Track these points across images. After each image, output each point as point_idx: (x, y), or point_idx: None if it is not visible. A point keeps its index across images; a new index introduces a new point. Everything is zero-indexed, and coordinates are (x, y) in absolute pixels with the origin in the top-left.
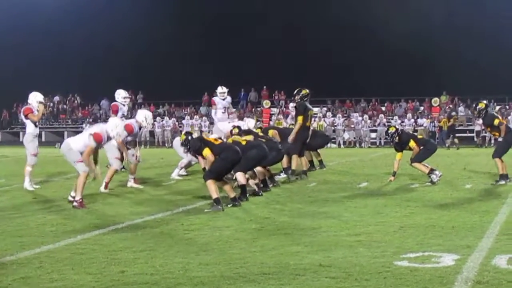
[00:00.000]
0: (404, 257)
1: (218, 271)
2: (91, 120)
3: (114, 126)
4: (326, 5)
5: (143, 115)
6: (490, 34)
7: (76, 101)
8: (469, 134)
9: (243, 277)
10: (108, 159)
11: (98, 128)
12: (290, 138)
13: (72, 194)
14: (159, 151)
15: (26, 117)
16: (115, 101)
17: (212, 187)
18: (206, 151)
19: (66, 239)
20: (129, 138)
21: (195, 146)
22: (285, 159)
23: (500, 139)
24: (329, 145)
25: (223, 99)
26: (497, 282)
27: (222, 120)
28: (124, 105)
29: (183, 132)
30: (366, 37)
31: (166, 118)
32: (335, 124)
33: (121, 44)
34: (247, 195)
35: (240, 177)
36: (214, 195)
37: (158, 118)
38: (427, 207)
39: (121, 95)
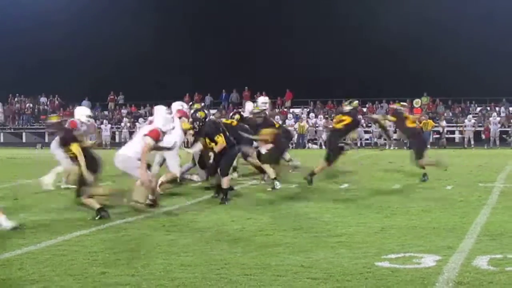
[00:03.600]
0: (385, 258)
1: (199, 272)
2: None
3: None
4: (311, 6)
5: None
6: (472, 35)
7: (56, 102)
8: (451, 135)
9: (224, 278)
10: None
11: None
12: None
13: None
14: None
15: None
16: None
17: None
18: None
19: (47, 241)
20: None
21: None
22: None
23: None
24: (310, 146)
25: None
26: (478, 283)
27: None
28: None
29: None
30: (349, 38)
31: (150, 118)
32: (316, 125)
33: (102, 45)
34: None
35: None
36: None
37: (140, 119)
38: (408, 208)
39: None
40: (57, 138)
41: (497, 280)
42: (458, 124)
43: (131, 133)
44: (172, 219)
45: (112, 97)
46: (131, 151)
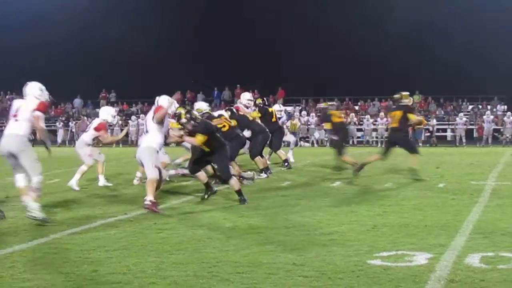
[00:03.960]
0: (377, 256)
1: (191, 270)
2: (63, 118)
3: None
4: (300, 5)
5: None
6: (464, 33)
7: (48, 100)
8: (443, 133)
9: (216, 276)
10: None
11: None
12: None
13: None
14: (133, 149)
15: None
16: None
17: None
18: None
19: (38, 239)
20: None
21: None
22: (261, 160)
23: None
24: (302, 144)
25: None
26: (470, 281)
27: None
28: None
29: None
30: (340, 37)
31: (142, 116)
32: (308, 123)
33: (94, 43)
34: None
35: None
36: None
37: (133, 117)
38: (400, 206)
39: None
40: (82, 137)
41: (489, 278)
42: (450, 122)
43: (122, 131)
44: (163, 217)
45: (104, 95)
46: (154, 143)
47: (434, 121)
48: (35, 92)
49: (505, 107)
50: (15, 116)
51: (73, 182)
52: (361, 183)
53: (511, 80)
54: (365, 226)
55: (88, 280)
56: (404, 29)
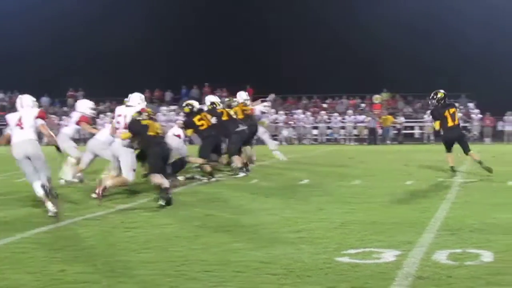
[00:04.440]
0: (346, 253)
1: (159, 269)
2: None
3: None
4: (266, 3)
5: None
6: (432, 31)
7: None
8: (410, 131)
9: (184, 275)
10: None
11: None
12: None
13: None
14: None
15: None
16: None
17: None
18: None
19: (5, 238)
20: None
21: None
22: (239, 158)
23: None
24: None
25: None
26: (437, 277)
27: None
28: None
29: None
30: (308, 34)
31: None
32: (276, 121)
33: (62, 41)
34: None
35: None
36: None
37: (101, 115)
38: (368, 203)
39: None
40: (63, 131)
41: (456, 275)
42: (417, 120)
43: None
44: (131, 216)
45: (72, 93)
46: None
47: (402, 119)
48: (29, 102)
49: (473, 104)
50: (19, 125)
51: (67, 175)
52: (328, 180)
53: (479, 78)
54: (333, 224)
55: (55, 280)
56: (371, 25)
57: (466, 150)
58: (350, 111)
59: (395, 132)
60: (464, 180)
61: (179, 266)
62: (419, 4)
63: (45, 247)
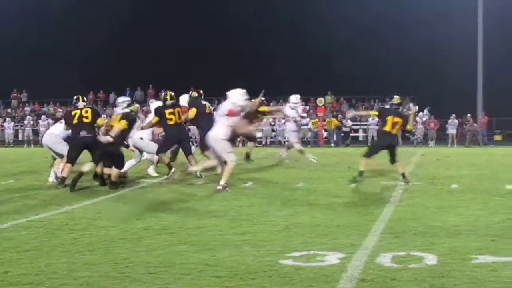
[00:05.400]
0: (289, 256)
1: (103, 271)
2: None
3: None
4: (221, 2)
5: None
6: (375, 34)
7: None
8: (355, 134)
9: (128, 277)
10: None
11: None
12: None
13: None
14: (45, 149)
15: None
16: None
17: None
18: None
19: None
20: None
21: None
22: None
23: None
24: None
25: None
26: (381, 280)
27: None
28: None
29: None
30: (256, 35)
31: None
32: None
33: (7, 42)
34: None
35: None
36: None
37: (43, 117)
38: (312, 206)
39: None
40: (53, 132)
41: (400, 277)
42: (362, 123)
43: (34, 131)
44: (75, 217)
45: (16, 94)
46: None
47: (349, 122)
48: None
49: (417, 107)
50: None
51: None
52: (272, 183)
53: (422, 80)
54: (277, 226)
55: None
56: (315, 29)
57: (393, 160)
58: None
59: (342, 135)
60: (407, 183)
61: (123, 268)
62: (369, 5)
63: None
